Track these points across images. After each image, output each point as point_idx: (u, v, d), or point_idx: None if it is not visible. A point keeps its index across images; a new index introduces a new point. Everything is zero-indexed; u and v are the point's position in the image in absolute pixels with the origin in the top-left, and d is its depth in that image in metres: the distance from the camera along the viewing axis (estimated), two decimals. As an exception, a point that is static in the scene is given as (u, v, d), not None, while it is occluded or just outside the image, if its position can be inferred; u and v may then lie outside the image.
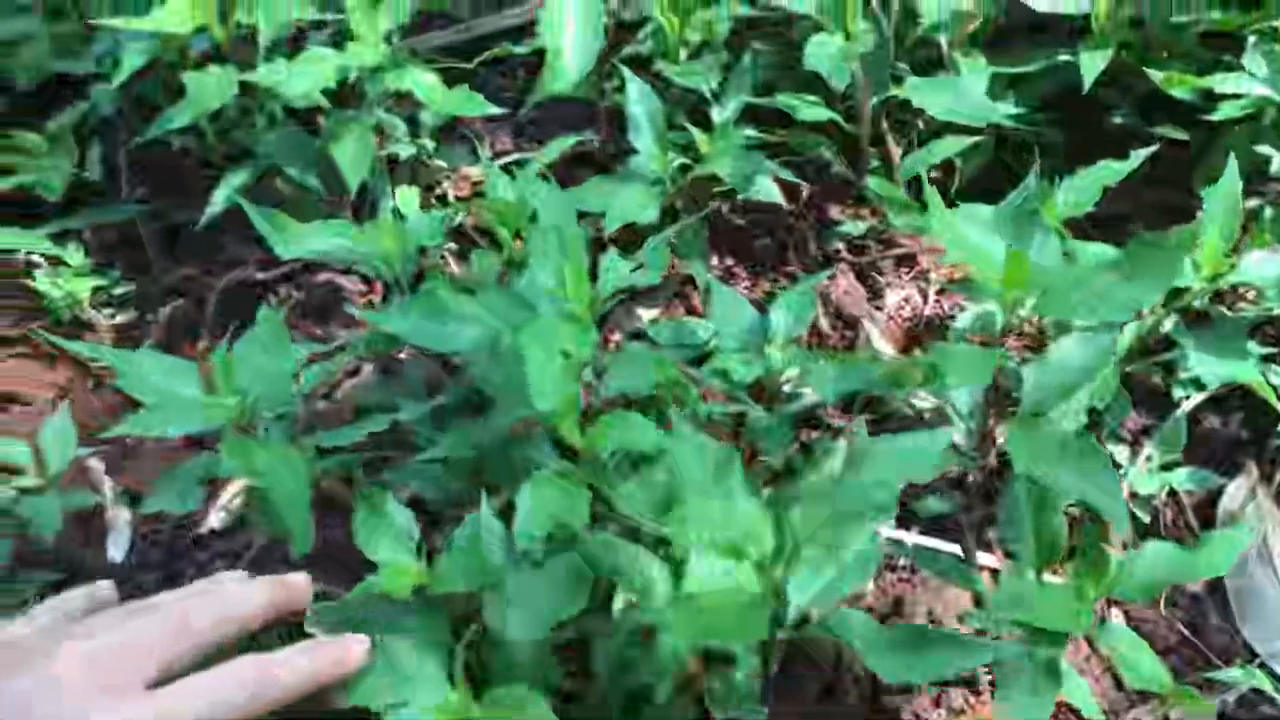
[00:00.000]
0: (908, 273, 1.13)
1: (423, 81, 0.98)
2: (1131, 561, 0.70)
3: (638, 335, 1.05)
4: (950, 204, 1.08)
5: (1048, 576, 0.73)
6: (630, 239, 1.00)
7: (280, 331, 0.80)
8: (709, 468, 0.66)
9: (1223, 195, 0.79)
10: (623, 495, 0.72)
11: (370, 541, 0.73)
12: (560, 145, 1.05)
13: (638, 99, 0.98)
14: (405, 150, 1.13)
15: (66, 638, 0.57)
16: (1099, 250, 0.82)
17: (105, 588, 0.67)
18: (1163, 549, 0.70)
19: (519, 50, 1.04)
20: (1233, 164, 0.80)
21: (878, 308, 1.12)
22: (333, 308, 1.15)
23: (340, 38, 1.03)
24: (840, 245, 1.16)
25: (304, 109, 1.07)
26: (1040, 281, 0.68)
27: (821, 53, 0.92)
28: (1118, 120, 1.13)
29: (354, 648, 0.64)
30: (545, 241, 0.78)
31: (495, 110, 1.01)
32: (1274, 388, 0.93)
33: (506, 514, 0.72)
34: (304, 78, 0.95)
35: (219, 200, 1.09)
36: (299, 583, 0.68)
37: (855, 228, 1.13)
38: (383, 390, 1.02)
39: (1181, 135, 1.10)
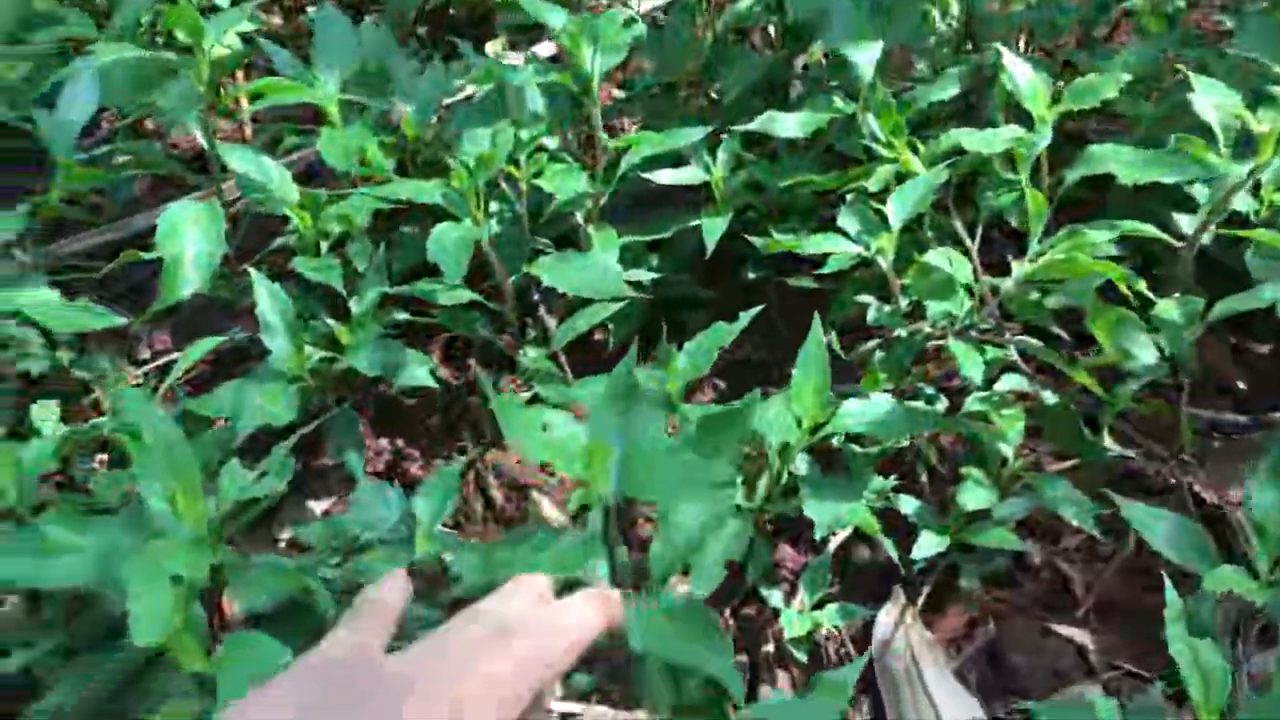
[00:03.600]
0: (573, 439, 1.15)
1: (36, 300, 0.94)
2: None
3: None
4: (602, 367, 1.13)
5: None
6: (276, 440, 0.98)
7: None
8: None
9: (811, 352, 0.85)
10: None
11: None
12: (204, 346, 1.02)
13: (267, 300, 0.97)
14: (38, 365, 1.07)
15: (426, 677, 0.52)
16: (702, 412, 0.86)
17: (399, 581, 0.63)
18: (780, 701, 0.72)
19: (147, 256, 1.02)
20: (816, 323, 0.87)
21: (550, 474, 1.14)
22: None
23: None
24: (509, 416, 1.18)
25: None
26: (627, 467, 0.71)
27: (442, 242, 0.94)
28: (752, 275, 1.21)
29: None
30: (152, 462, 0.75)
31: (119, 321, 0.98)
32: (905, 516, 0.99)
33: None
34: (-104, 306, 0.89)
35: None
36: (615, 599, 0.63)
37: (518, 401, 1.15)
38: (25, 623, 0.95)
39: (811, 284, 1.19)
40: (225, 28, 1.05)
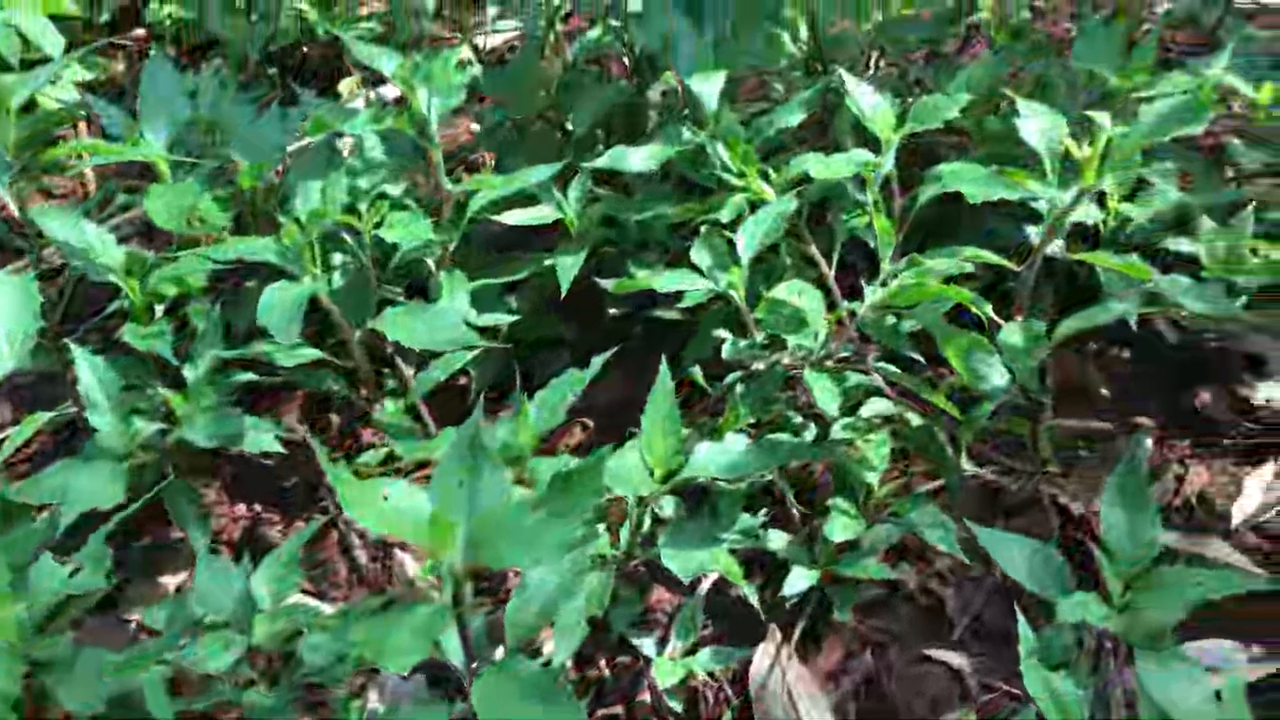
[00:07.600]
0: (436, 493, 1.12)
1: None
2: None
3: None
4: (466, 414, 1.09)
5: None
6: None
7: None
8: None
9: (658, 401, 0.82)
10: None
11: None
12: (31, 425, 0.96)
13: (89, 375, 0.92)
14: None
15: None
16: (552, 467, 0.83)
17: None
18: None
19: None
20: (664, 370, 0.84)
21: (415, 532, 1.10)
22: None
23: None
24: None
25: None
26: (475, 534, 0.67)
27: (270, 304, 0.89)
28: (613, 312, 1.19)
29: None
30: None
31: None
32: (774, 553, 0.98)
33: None
34: None
35: None
36: None
37: (377, 456, 1.11)
38: None
39: (676, 316, 1.17)
40: (35, 88, 0.99)
